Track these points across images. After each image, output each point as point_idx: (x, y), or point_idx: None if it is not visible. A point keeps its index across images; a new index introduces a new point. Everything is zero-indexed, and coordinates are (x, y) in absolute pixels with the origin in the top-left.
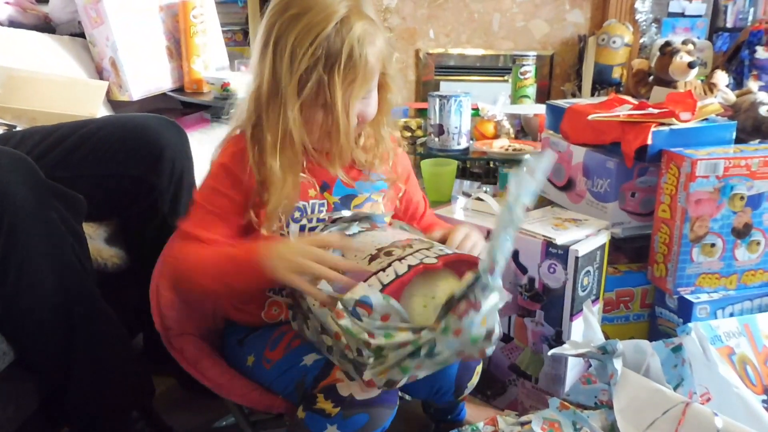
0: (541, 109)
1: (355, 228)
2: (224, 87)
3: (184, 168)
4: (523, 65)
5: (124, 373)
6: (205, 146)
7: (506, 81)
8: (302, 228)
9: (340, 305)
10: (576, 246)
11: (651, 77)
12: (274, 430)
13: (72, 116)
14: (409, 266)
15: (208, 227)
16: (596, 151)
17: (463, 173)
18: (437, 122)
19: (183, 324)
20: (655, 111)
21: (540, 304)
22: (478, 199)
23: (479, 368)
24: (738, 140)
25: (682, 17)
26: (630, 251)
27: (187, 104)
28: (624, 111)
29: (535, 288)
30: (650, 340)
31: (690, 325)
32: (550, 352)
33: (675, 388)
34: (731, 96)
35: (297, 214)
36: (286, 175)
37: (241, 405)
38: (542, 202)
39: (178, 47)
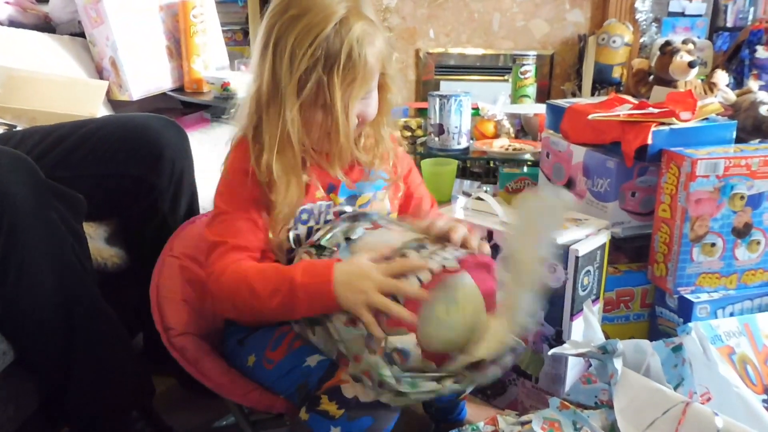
0: (541, 108)
1: (360, 230)
2: (224, 87)
3: (184, 168)
4: (523, 65)
5: (124, 373)
6: (205, 146)
7: (506, 81)
8: (309, 230)
9: (382, 342)
10: (576, 246)
11: (651, 77)
12: (274, 430)
13: (72, 116)
14: (432, 271)
15: (238, 235)
16: (596, 150)
17: (463, 173)
18: (437, 122)
19: (183, 323)
20: (655, 110)
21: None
22: (479, 198)
23: None
24: (738, 140)
25: (682, 17)
26: (630, 251)
27: (187, 104)
28: (624, 110)
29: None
30: (650, 340)
31: (690, 324)
32: (550, 352)
33: (675, 388)
34: (731, 95)
35: (305, 216)
36: (288, 177)
37: (241, 405)
38: None
39: (178, 47)
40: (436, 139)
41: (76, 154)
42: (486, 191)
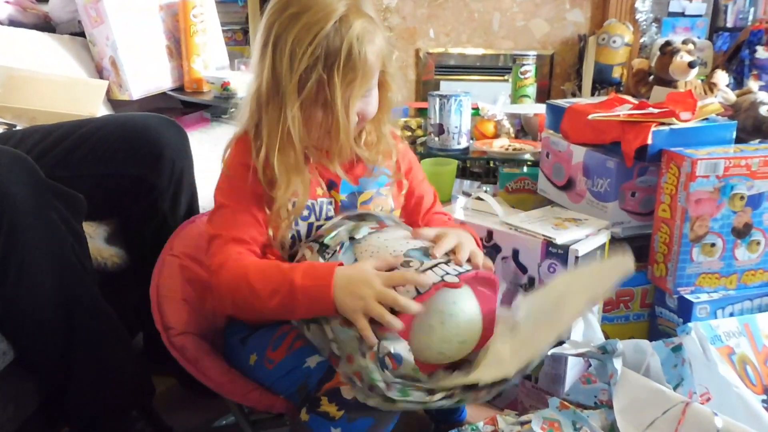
0: (541, 108)
1: (364, 230)
2: (224, 86)
3: (184, 167)
4: (523, 65)
5: (124, 373)
6: (205, 146)
7: (506, 80)
8: (310, 226)
9: (375, 347)
10: (576, 245)
11: (651, 77)
12: (274, 429)
13: (72, 115)
14: (433, 284)
15: (238, 228)
16: (596, 150)
17: (463, 173)
18: (437, 122)
19: (183, 323)
20: (655, 111)
21: None
22: (479, 198)
23: None
24: (738, 140)
25: (682, 17)
26: (630, 251)
27: (187, 104)
28: (624, 111)
29: (536, 287)
30: (650, 340)
31: (690, 324)
32: (550, 352)
33: (675, 388)
34: (731, 96)
35: (306, 213)
36: (290, 175)
37: (241, 405)
38: (542, 201)
39: (178, 46)
40: (436, 139)
41: (76, 154)
42: (486, 191)
